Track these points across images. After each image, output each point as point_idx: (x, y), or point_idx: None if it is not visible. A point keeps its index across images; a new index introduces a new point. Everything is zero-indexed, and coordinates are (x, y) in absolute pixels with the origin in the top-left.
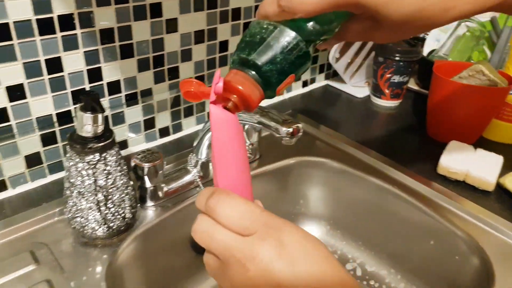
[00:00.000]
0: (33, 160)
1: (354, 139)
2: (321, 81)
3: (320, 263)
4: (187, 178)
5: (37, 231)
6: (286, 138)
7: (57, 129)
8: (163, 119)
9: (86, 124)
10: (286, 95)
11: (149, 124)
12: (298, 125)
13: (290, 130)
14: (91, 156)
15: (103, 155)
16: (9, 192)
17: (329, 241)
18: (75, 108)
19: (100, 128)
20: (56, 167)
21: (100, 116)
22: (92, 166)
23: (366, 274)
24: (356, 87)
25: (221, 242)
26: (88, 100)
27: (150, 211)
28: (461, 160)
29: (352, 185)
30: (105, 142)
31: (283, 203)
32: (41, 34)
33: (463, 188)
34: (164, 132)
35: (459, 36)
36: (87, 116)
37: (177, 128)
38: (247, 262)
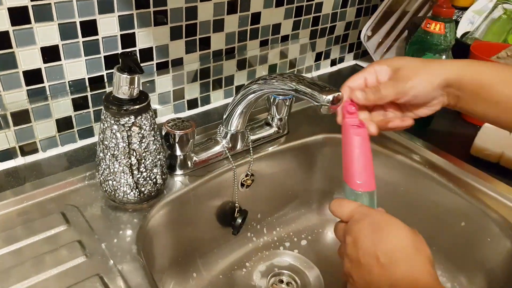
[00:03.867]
0: (64, 124)
1: None
2: (349, 61)
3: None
4: (217, 149)
5: (67, 194)
6: (326, 107)
7: (89, 94)
8: (192, 91)
9: (123, 86)
10: (314, 73)
11: (178, 94)
12: (338, 93)
13: (330, 97)
14: (126, 119)
15: (138, 118)
16: (40, 155)
17: None
18: (107, 73)
19: (136, 91)
20: (86, 132)
21: (137, 77)
22: (127, 129)
23: None
24: None
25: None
26: (127, 61)
27: (179, 180)
28: (496, 142)
29: (380, 164)
30: (141, 105)
31: (310, 180)
32: None
33: (497, 170)
34: (192, 104)
35: (494, 18)
36: (125, 77)
37: (205, 100)
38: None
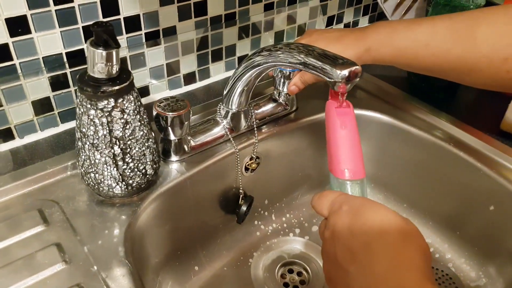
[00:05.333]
0: (42, 106)
1: (403, 90)
2: (364, 25)
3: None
4: (216, 131)
5: (47, 187)
6: (340, 84)
7: (68, 70)
8: (189, 64)
9: (98, 63)
10: None
11: (173, 68)
12: (356, 66)
13: (346, 73)
14: (105, 102)
15: (119, 100)
16: (17, 142)
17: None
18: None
19: (115, 68)
20: (69, 114)
21: (114, 52)
22: (107, 114)
23: None
24: None
25: None
26: (100, 33)
27: (174, 167)
28: None
29: (401, 141)
30: (121, 85)
31: (321, 160)
32: None
33: None
34: (189, 78)
35: None
36: (99, 53)
37: (204, 74)
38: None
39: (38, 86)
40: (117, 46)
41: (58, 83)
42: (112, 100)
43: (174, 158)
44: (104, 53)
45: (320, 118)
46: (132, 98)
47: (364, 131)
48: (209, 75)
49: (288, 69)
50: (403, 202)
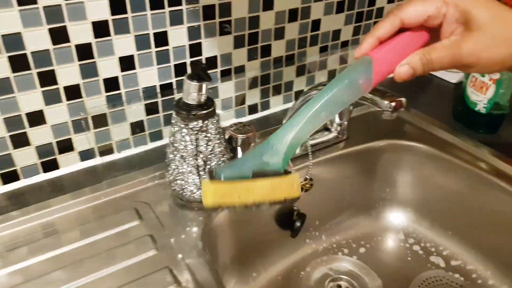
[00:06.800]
0: (137, 128)
1: (448, 124)
2: None
3: None
4: None
5: (139, 192)
6: (388, 112)
7: (159, 99)
8: (253, 96)
9: (192, 92)
10: None
11: (240, 100)
12: (401, 98)
13: (393, 104)
14: (195, 123)
15: (205, 122)
16: (115, 156)
17: (415, 230)
18: (176, 81)
19: (204, 97)
20: (156, 135)
21: (205, 85)
22: (195, 132)
23: (450, 268)
24: (450, 71)
25: None
26: (196, 69)
27: None
28: None
29: (444, 172)
30: (208, 110)
31: (369, 187)
32: (152, 8)
33: None
34: (252, 109)
35: None
36: (194, 84)
37: (265, 105)
38: None
39: (136, 111)
40: (209, 79)
41: (151, 109)
42: (200, 121)
43: None
44: (197, 85)
45: (369, 146)
46: (214, 121)
47: (410, 161)
48: (269, 107)
49: None
50: (447, 229)
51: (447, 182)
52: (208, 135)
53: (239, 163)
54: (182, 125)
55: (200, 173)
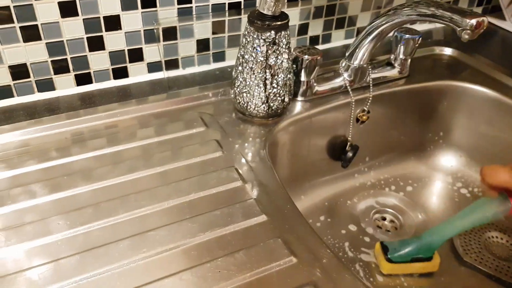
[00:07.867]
0: (202, 46)
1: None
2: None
3: None
4: (337, 81)
5: (203, 105)
6: (467, 31)
7: (226, 18)
8: (316, 27)
9: (268, 1)
10: (431, 26)
11: (303, 29)
12: (483, 17)
13: (474, 22)
14: (268, 34)
15: (278, 34)
16: (180, 71)
17: (464, 174)
18: (244, 0)
19: (280, 9)
20: (219, 56)
21: None
22: (267, 44)
23: None
24: None
25: None
26: None
27: (300, 105)
28: None
29: (503, 117)
30: (282, 22)
31: (423, 128)
32: None
33: None
34: (314, 40)
35: None
36: None
37: (327, 38)
38: None
39: (204, 29)
40: None
41: (218, 28)
42: (273, 32)
43: (300, 98)
44: None
45: (429, 86)
46: (286, 35)
47: (469, 104)
48: (330, 40)
49: (407, 35)
50: None
51: (504, 128)
52: (279, 48)
53: (402, 249)
54: (255, 36)
55: (267, 87)
